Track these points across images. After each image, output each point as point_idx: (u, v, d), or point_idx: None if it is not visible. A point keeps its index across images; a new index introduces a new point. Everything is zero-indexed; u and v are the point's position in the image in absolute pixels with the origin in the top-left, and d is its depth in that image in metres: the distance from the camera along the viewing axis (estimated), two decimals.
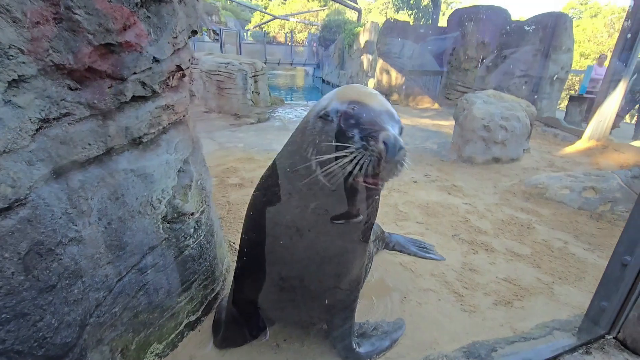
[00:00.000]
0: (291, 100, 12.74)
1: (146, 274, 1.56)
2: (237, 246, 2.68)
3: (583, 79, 9.94)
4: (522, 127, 5.37)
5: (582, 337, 1.54)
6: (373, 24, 13.99)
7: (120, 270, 1.43)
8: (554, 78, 8.57)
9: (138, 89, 1.38)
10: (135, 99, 1.40)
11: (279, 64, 21.53)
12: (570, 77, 11.88)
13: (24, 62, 1.02)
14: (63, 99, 1.15)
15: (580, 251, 3.01)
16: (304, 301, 1.62)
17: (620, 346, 1.45)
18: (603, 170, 4.82)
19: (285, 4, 34.60)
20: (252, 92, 8.33)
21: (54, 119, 1.13)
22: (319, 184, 1.22)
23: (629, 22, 6.18)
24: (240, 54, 17.46)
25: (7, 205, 0.96)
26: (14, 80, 0.99)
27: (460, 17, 10.47)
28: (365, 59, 14.38)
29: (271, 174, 1.46)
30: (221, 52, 16.53)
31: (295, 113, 8.91)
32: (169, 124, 1.64)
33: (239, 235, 2.84)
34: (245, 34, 26.83)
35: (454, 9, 12.54)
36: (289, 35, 25.20)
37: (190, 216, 1.78)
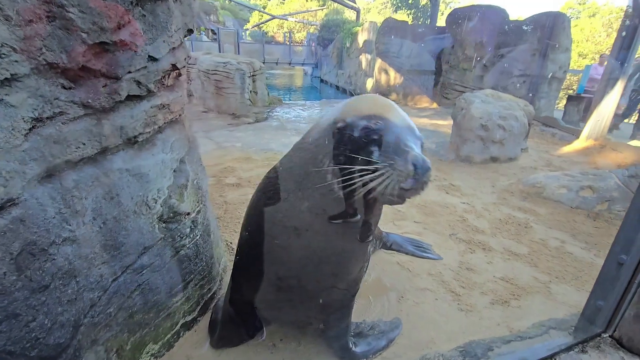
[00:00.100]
0: (290, 100, 12.73)
1: (142, 274, 1.55)
2: (234, 246, 2.68)
3: (581, 78, 9.97)
4: (520, 126, 5.37)
5: (578, 336, 1.55)
6: (372, 24, 13.99)
7: (115, 270, 1.42)
8: (552, 77, 8.58)
9: (133, 88, 1.37)
10: (130, 98, 1.40)
11: (277, 63, 21.51)
12: (568, 77, 11.91)
13: (16, 61, 1.01)
14: (57, 98, 1.14)
15: (577, 250, 3.02)
16: (304, 302, 1.62)
17: (616, 345, 1.45)
18: (601, 169, 4.83)
19: (283, 3, 34.57)
20: (250, 91, 8.31)
21: (47, 118, 1.12)
22: (334, 193, 1.21)
23: (627, 21, 6.20)
24: (239, 53, 17.43)
25: None
26: (6, 79, 0.98)
27: (458, 16, 10.48)
28: (364, 58, 14.38)
29: (278, 177, 1.43)
30: (219, 51, 16.49)
31: (293, 113, 8.91)
32: (164, 123, 1.64)
33: (236, 235, 2.85)
34: (243, 33, 26.83)
35: (452, 9, 12.56)
36: (288, 34, 25.18)
37: (186, 216, 1.77)
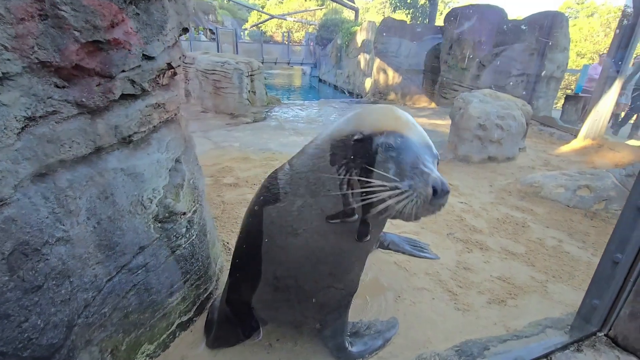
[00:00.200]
0: (288, 100, 12.72)
1: (137, 274, 1.54)
2: (230, 246, 2.67)
3: (579, 78, 9.99)
4: (517, 126, 5.38)
5: (574, 335, 1.55)
6: (370, 23, 13.99)
7: (110, 270, 1.42)
8: (550, 77, 8.59)
9: (127, 87, 1.37)
10: (125, 97, 1.39)
11: (276, 63, 21.48)
12: (566, 77, 11.92)
13: (8, 59, 1.00)
14: (50, 97, 1.14)
15: (574, 249, 3.02)
16: (303, 302, 1.62)
17: (612, 343, 1.45)
18: (598, 168, 4.84)
19: (282, 3, 34.53)
20: (249, 91, 8.30)
21: (40, 117, 1.12)
22: (349, 204, 1.21)
23: (625, 21, 6.21)
24: (237, 53, 17.40)
25: None
26: None
27: (456, 16, 10.49)
28: (363, 58, 14.38)
29: (285, 180, 1.41)
30: (218, 51, 16.46)
31: (292, 113, 8.90)
32: (160, 122, 1.63)
33: (233, 235, 2.84)
34: (242, 33, 26.78)
35: (450, 8, 12.56)
36: (286, 34, 25.15)
37: (182, 216, 1.77)
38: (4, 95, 1.00)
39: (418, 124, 1.27)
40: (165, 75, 1.61)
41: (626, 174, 3.75)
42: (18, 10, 1.01)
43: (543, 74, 8.49)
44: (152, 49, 1.42)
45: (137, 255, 1.54)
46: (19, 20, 1.01)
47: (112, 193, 1.41)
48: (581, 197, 3.78)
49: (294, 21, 30.51)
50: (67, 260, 1.20)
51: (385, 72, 11.88)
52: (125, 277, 1.50)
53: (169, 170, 1.70)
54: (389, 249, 2.78)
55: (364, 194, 1.11)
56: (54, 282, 1.13)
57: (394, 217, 1.15)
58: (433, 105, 11.08)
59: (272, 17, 30.70)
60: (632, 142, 6.79)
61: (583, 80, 8.79)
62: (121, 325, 1.51)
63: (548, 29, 8.39)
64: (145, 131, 1.53)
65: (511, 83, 8.83)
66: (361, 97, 13.63)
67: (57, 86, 1.15)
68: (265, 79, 10.10)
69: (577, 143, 6.58)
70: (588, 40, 20.94)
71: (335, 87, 18.05)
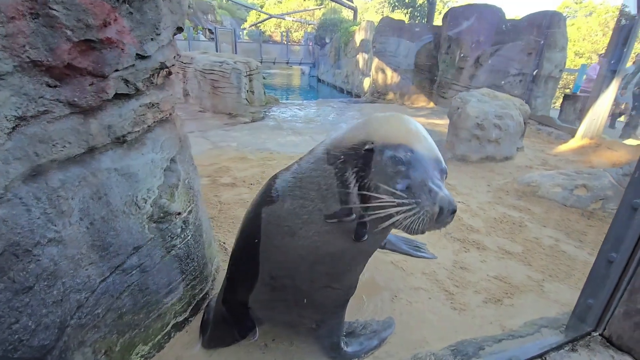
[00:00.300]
0: (287, 100, 12.71)
1: (131, 274, 1.54)
2: (227, 246, 2.67)
3: (577, 77, 10.00)
4: (515, 125, 5.38)
5: (569, 335, 1.55)
6: (368, 23, 14.00)
7: (103, 270, 1.41)
8: (548, 76, 8.60)
9: (121, 86, 1.36)
10: (119, 96, 1.38)
11: (274, 62, 21.47)
12: (565, 76, 11.94)
13: None
14: (41, 97, 1.13)
15: (571, 249, 3.03)
16: (302, 302, 1.62)
17: (606, 343, 1.45)
18: (595, 168, 4.84)
19: (281, 2, 34.50)
20: (247, 91, 8.29)
21: (31, 116, 1.11)
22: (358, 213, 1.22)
23: (622, 21, 6.22)
24: (236, 53, 17.38)
25: None
26: None
27: (455, 15, 10.49)
28: (361, 57, 14.39)
29: (291, 183, 1.40)
30: (216, 51, 16.44)
31: (290, 112, 8.89)
32: (154, 122, 1.62)
33: (230, 235, 2.84)
34: (241, 32, 26.73)
35: (449, 8, 12.56)
36: (285, 34, 25.13)
37: (177, 216, 1.76)
38: None
39: (428, 134, 1.27)
40: (160, 75, 1.60)
41: (623, 173, 3.76)
42: (8, 9, 1.00)
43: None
44: (146, 48, 1.41)
45: (132, 256, 1.53)
46: (10, 19, 1.01)
47: (106, 193, 1.40)
48: (578, 197, 3.79)
49: (292, 21, 30.50)
50: (59, 261, 1.19)
51: (383, 71, 11.87)
52: (120, 277, 1.49)
53: (164, 170, 1.69)
54: (386, 249, 2.78)
55: (370, 208, 1.12)
56: (45, 283, 1.12)
57: (399, 229, 1.16)
58: (431, 104, 11.08)
59: (271, 16, 30.68)
60: (630, 142, 6.80)
61: (581, 79, 8.79)
62: (115, 326, 1.50)
63: (546, 29, 8.40)
64: (139, 131, 1.52)
65: (509, 82, 8.83)
66: (359, 96, 13.62)
67: (48, 85, 1.14)
68: (264, 78, 10.09)
69: (575, 142, 6.59)
70: (586, 39, 20.98)
71: (334, 86, 18.05)
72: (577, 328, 1.56)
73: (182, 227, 1.80)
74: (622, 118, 8.69)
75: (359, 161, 1.20)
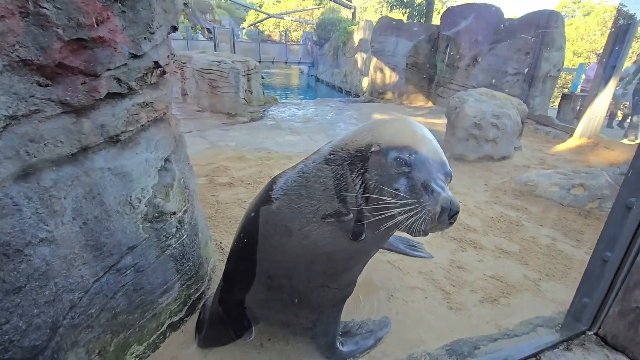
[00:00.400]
0: (286, 99, 12.69)
1: (125, 274, 1.53)
2: (224, 246, 2.66)
3: (575, 77, 10.01)
4: (513, 125, 5.38)
5: (564, 334, 1.55)
6: (367, 22, 14.00)
7: (97, 270, 1.40)
8: (546, 76, 8.60)
9: (113, 85, 1.35)
10: (111, 95, 1.38)
11: (273, 62, 21.46)
12: (563, 75, 11.94)
13: None
14: (32, 96, 1.12)
15: (568, 248, 3.03)
16: (300, 302, 1.62)
17: (601, 342, 1.45)
18: (593, 167, 4.85)
19: (280, 2, 34.46)
20: (245, 90, 8.27)
21: (22, 115, 1.10)
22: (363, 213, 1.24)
23: (619, 20, 6.23)
24: (235, 52, 17.37)
25: None
26: None
27: (453, 14, 10.49)
28: (360, 57, 14.39)
29: (297, 182, 1.41)
30: (215, 50, 16.42)
31: (288, 112, 8.88)
32: (148, 121, 1.62)
33: (227, 234, 2.83)
34: (240, 32, 26.71)
35: (447, 7, 12.56)
36: (284, 33, 25.10)
37: (172, 215, 1.76)
38: None
39: (433, 138, 1.29)
40: (154, 74, 1.59)
41: (620, 173, 3.76)
42: None
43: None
44: (139, 47, 1.40)
45: (126, 256, 1.53)
46: None
47: (99, 193, 1.39)
48: (575, 196, 3.79)
49: (291, 20, 30.46)
50: (51, 261, 1.18)
51: (382, 71, 11.86)
52: (114, 277, 1.49)
53: (159, 169, 1.69)
54: (383, 248, 2.78)
55: (374, 209, 1.13)
56: (37, 283, 1.11)
57: (402, 231, 1.17)
58: (430, 104, 11.08)
59: (270, 16, 30.65)
60: (627, 141, 6.81)
61: (579, 79, 8.78)
62: (109, 326, 1.50)
63: (544, 28, 8.40)
64: (133, 130, 1.51)
65: (507, 81, 8.83)
66: (358, 96, 13.62)
67: (39, 84, 1.13)
68: (262, 78, 10.07)
69: (572, 142, 6.60)
70: (584, 39, 21.00)
71: (333, 86, 18.04)
72: (572, 327, 1.56)
73: (177, 226, 1.79)
74: (619, 116, 8.68)
75: (364, 163, 1.22)
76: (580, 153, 6.13)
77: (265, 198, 1.50)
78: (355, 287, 1.70)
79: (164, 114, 1.76)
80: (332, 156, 1.34)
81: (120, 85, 1.37)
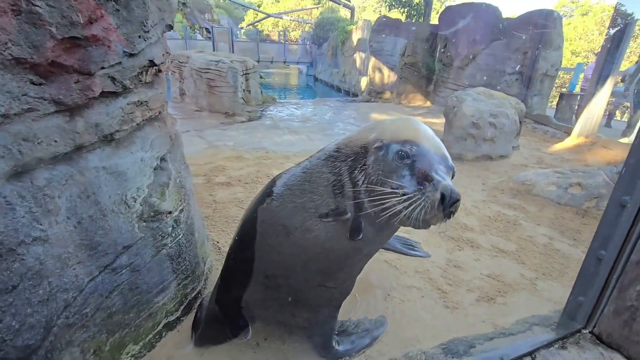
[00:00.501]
0: (284, 99, 12.68)
1: (121, 273, 1.53)
2: (221, 245, 2.66)
3: (573, 76, 10.03)
4: (511, 124, 5.39)
5: (560, 332, 1.55)
6: (366, 22, 13.99)
7: (92, 270, 1.40)
8: (544, 75, 8.61)
9: (107, 84, 1.35)
10: (106, 94, 1.37)
11: (272, 62, 21.44)
12: (561, 75, 11.97)
13: None
14: (25, 94, 1.12)
15: (565, 247, 3.04)
16: (298, 301, 1.62)
17: (596, 340, 1.46)
18: (590, 166, 4.86)
19: (279, 2, 34.42)
20: (243, 90, 8.26)
21: (15, 114, 1.10)
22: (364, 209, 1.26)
23: (617, 20, 6.24)
24: (233, 52, 17.35)
25: None
26: None
27: (451, 14, 10.49)
28: (358, 56, 14.38)
29: (299, 179, 1.42)
30: (214, 50, 16.40)
31: (287, 111, 8.87)
32: (143, 120, 1.61)
33: (225, 234, 2.83)
34: (238, 32, 26.67)
35: (446, 7, 12.57)
36: (283, 33, 25.08)
37: (168, 215, 1.75)
38: None
39: (435, 135, 1.32)
40: (149, 73, 1.59)
41: (617, 172, 3.77)
42: None
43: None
44: (133, 45, 1.40)
45: (121, 255, 1.52)
46: None
47: (94, 192, 1.39)
48: (572, 195, 3.80)
49: (290, 20, 30.44)
50: (45, 260, 1.18)
51: (380, 70, 11.86)
52: (109, 277, 1.48)
53: (154, 168, 1.68)
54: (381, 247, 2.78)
55: (375, 201, 1.16)
56: (30, 282, 1.11)
57: (405, 225, 1.18)
58: (428, 103, 11.08)
59: (269, 15, 30.61)
60: (625, 140, 6.82)
61: (577, 78, 8.80)
62: (105, 325, 1.50)
63: (542, 27, 8.41)
64: (127, 129, 1.51)
65: (505, 81, 8.84)
66: (357, 95, 13.62)
67: (33, 83, 1.13)
68: (261, 77, 10.06)
69: (570, 141, 6.61)
70: (582, 38, 21.05)
71: (331, 86, 18.03)
72: (568, 326, 1.56)
73: (173, 226, 1.79)
74: (617, 116, 8.70)
75: (368, 158, 1.26)
76: (578, 152, 6.14)
77: (268, 194, 1.51)
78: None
79: (160, 112, 1.76)
80: (336, 153, 1.38)
81: (114, 83, 1.37)
